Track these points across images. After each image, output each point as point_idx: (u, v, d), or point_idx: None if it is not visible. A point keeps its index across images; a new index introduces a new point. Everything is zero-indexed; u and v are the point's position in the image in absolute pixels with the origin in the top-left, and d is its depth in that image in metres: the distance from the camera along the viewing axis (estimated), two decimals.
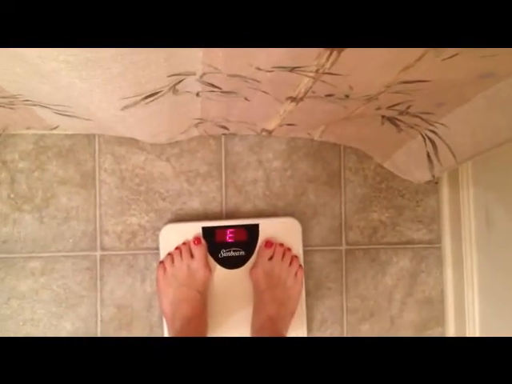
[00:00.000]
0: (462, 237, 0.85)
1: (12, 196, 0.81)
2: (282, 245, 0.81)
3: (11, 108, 0.66)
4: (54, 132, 0.81)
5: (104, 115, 0.59)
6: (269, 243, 0.80)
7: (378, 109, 0.68)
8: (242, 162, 0.86)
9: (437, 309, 0.89)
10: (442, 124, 0.68)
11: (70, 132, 0.82)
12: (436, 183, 0.90)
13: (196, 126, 0.79)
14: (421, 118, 0.69)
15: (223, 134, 0.85)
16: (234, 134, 0.85)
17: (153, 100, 0.54)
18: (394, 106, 0.66)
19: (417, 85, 0.55)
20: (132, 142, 0.83)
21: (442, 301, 0.89)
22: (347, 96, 0.57)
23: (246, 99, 0.62)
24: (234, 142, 0.86)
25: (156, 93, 0.52)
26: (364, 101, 0.59)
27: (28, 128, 0.80)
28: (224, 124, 0.79)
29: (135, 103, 0.53)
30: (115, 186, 0.83)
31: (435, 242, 0.90)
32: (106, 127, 0.75)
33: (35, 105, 0.64)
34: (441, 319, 0.89)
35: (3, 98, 0.61)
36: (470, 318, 0.85)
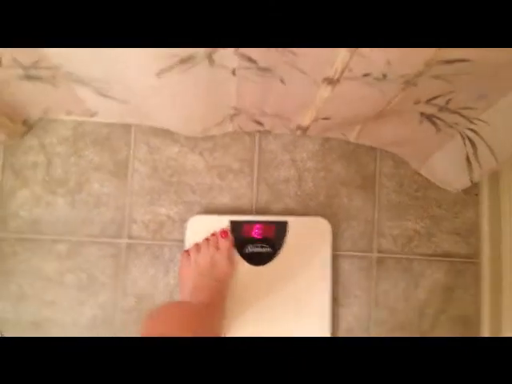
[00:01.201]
0: (503, 253, 0.81)
1: (47, 179, 0.82)
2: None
3: (53, 85, 0.68)
4: (93, 119, 0.83)
5: (140, 85, 0.60)
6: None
7: (417, 103, 0.66)
8: (275, 161, 0.85)
9: (471, 329, 0.84)
10: (483, 121, 0.65)
11: (107, 120, 0.83)
12: (476, 195, 0.86)
13: (231, 119, 0.79)
14: (460, 115, 0.67)
15: (258, 131, 0.85)
16: (269, 132, 0.85)
17: (189, 67, 0.54)
18: (433, 99, 0.64)
19: (457, 66, 0.53)
20: (167, 134, 0.84)
21: (477, 320, 0.84)
22: (384, 76, 0.55)
23: (282, 81, 0.61)
24: (268, 140, 0.85)
25: (192, 57, 0.52)
26: (402, 84, 0.58)
27: (68, 113, 0.82)
28: (259, 119, 0.79)
29: (171, 67, 0.53)
30: (147, 175, 0.84)
31: (473, 257, 0.85)
32: (141, 112, 0.76)
33: (76, 81, 0.66)
34: None
35: (46, 68, 0.62)
36: None
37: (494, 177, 0.82)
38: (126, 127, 0.84)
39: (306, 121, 0.77)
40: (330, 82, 0.59)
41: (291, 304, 0.79)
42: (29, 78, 0.65)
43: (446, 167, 0.78)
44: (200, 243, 0.78)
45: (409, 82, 0.57)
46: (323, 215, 0.82)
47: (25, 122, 0.80)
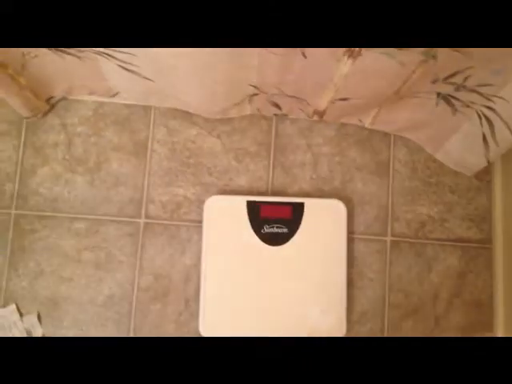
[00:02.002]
0: None
1: (67, 157, 0.84)
2: None
3: (79, 58, 0.70)
4: (114, 100, 0.85)
5: (165, 58, 0.62)
6: None
7: (435, 82, 0.68)
8: (291, 145, 0.87)
9: (485, 313, 0.84)
10: (501, 97, 0.67)
11: (128, 101, 0.85)
12: (488, 181, 0.87)
13: (250, 100, 0.81)
14: (478, 93, 0.68)
15: (275, 115, 0.86)
16: (286, 116, 0.86)
17: None
18: (451, 76, 0.66)
19: None
20: (186, 117, 0.86)
21: (491, 305, 0.85)
22: None
23: (304, 55, 0.63)
24: (285, 125, 0.87)
25: None
26: (422, 56, 0.59)
27: (91, 93, 0.83)
28: (277, 101, 0.81)
29: None
30: (165, 156, 0.85)
31: (486, 242, 0.86)
32: (162, 91, 0.78)
33: (102, 53, 0.68)
34: (489, 324, 0.84)
35: None
36: None
37: (508, 163, 0.84)
38: (146, 109, 0.86)
39: (323, 103, 0.78)
40: (351, 54, 0.61)
41: (307, 285, 0.79)
42: (57, 50, 0.67)
43: (462, 149, 0.80)
44: None
45: (428, 53, 0.59)
46: (338, 199, 0.83)
47: (48, 100, 0.82)
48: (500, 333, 0.83)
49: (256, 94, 0.78)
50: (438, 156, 0.85)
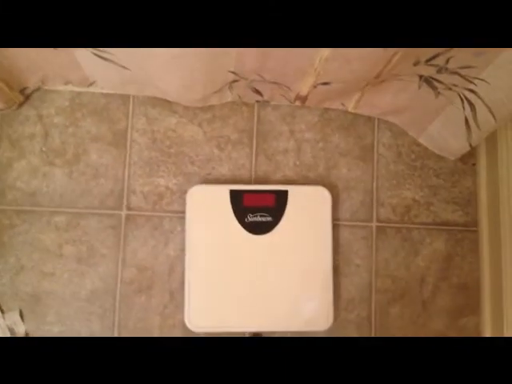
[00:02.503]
0: (501, 221, 0.81)
1: (44, 150, 0.82)
2: None
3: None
4: (90, 90, 0.83)
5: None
6: None
7: (416, 64, 0.67)
8: (273, 131, 0.85)
9: (472, 296, 0.84)
10: (482, 80, 0.66)
11: (105, 91, 0.83)
12: (473, 165, 0.87)
13: (230, 87, 0.79)
14: (460, 75, 0.67)
15: (256, 102, 0.85)
16: (267, 103, 0.85)
17: None
18: (432, 58, 0.65)
19: None
20: (165, 105, 0.84)
21: (477, 288, 0.85)
22: None
23: None
24: (267, 111, 0.86)
25: None
26: None
27: (66, 82, 0.81)
28: (258, 87, 0.79)
29: None
30: (146, 146, 0.83)
31: (471, 225, 0.86)
32: (140, 79, 0.76)
33: None
34: (476, 307, 0.84)
35: None
36: (507, 306, 0.79)
37: (492, 145, 0.83)
38: (124, 98, 0.83)
39: (304, 88, 0.77)
40: None
41: (293, 273, 0.78)
42: None
43: (444, 133, 0.79)
44: None
45: None
46: (322, 185, 0.82)
47: (22, 91, 0.80)
48: (487, 315, 0.83)
49: (236, 81, 0.76)
50: (422, 140, 0.85)
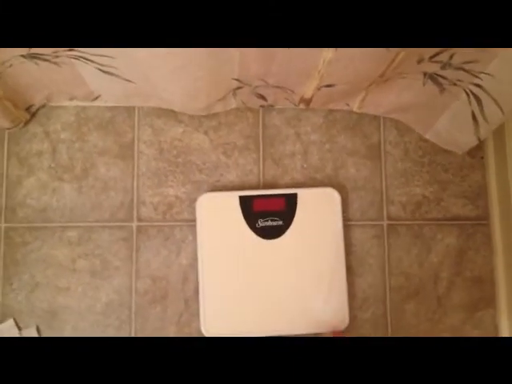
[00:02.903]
0: None
1: (53, 166, 0.82)
2: None
3: (56, 64, 0.68)
4: (95, 104, 0.83)
5: (143, 59, 0.60)
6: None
7: (420, 61, 0.67)
8: (279, 135, 0.85)
9: (487, 289, 0.84)
10: (488, 73, 0.66)
11: (110, 104, 0.83)
12: (482, 158, 0.86)
13: (234, 93, 0.79)
14: (464, 70, 0.67)
15: (261, 107, 0.85)
16: (272, 107, 0.85)
17: None
18: (436, 54, 0.64)
19: None
20: (170, 115, 0.84)
21: (492, 281, 0.84)
22: None
23: None
24: (272, 116, 0.86)
25: None
26: None
27: (71, 98, 0.81)
28: (262, 92, 0.79)
29: None
30: (153, 157, 0.83)
31: (482, 219, 0.85)
32: (144, 91, 0.76)
33: (78, 57, 0.66)
34: (492, 300, 0.84)
35: None
36: None
37: (500, 138, 0.82)
38: (129, 110, 0.84)
39: (309, 91, 0.77)
40: None
41: (307, 276, 0.78)
42: (31, 57, 0.65)
43: (451, 128, 0.79)
44: None
45: None
46: (331, 187, 0.82)
47: (28, 109, 0.80)
48: (504, 308, 0.82)
49: (240, 88, 0.77)
50: (429, 136, 0.84)
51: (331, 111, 0.86)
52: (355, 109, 0.84)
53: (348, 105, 0.84)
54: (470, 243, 0.85)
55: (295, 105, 0.84)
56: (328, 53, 0.62)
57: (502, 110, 0.67)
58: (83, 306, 0.80)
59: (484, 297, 0.84)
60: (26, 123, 0.82)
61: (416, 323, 0.83)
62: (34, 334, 0.78)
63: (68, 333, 0.79)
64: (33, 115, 0.82)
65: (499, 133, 0.81)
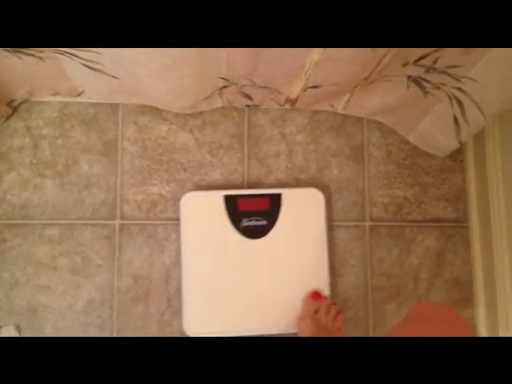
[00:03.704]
0: (491, 215, 0.83)
1: (34, 162, 0.81)
2: (326, 298, 0.79)
3: (40, 58, 0.67)
4: (79, 100, 0.82)
5: (130, 56, 0.59)
6: (316, 295, 0.78)
7: (405, 64, 0.68)
8: (264, 135, 0.86)
9: (466, 290, 0.86)
10: (470, 78, 0.67)
11: (93, 100, 0.82)
12: (462, 161, 0.88)
13: (220, 92, 0.79)
14: (448, 74, 0.68)
15: (246, 106, 0.85)
16: (258, 107, 0.85)
17: None
18: (421, 58, 0.65)
19: None
20: (155, 112, 0.83)
21: (470, 282, 0.86)
22: None
23: None
24: (257, 116, 0.86)
25: None
26: None
27: (54, 94, 0.80)
28: (248, 92, 0.79)
29: None
30: (137, 155, 0.83)
31: (462, 221, 0.87)
32: (129, 88, 0.75)
33: (64, 52, 0.65)
34: (470, 301, 0.85)
35: None
36: (501, 299, 0.81)
37: (479, 142, 0.84)
38: (114, 107, 0.83)
39: (294, 92, 0.77)
40: None
41: (290, 275, 0.79)
42: (15, 51, 0.64)
43: (434, 131, 0.80)
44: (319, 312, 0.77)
45: None
46: (315, 187, 0.83)
47: (10, 104, 0.79)
48: (482, 309, 0.84)
49: (226, 86, 0.77)
50: (411, 138, 0.86)
51: (316, 112, 0.86)
52: (340, 110, 0.85)
53: (333, 106, 0.85)
54: (450, 245, 0.86)
55: (280, 105, 0.84)
56: (315, 54, 0.63)
57: (483, 114, 0.68)
58: (64, 304, 0.79)
59: (463, 298, 0.86)
60: (8, 118, 0.80)
61: (397, 323, 0.84)
62: (14, 333, 0.77)
63: (48, 331, 0.78)
64: (15, 110, 0.81)
65: (479, 137, 0.83)
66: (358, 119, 0.87)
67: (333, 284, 0.82)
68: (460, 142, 0.78)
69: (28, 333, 0.78)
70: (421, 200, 0.87)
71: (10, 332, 0.77)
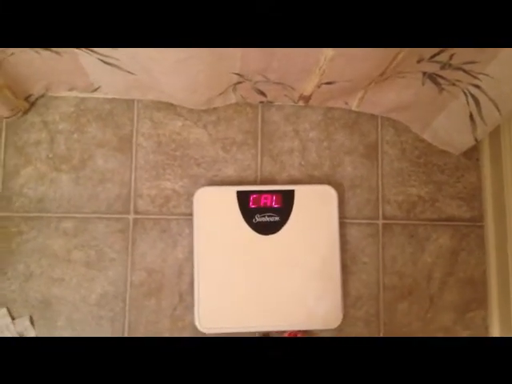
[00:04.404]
0: (507, 215, 0.82)
1: (50, 156, 0.82)
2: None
3: (57, 53, 0.68)
4: (95, 95, 0.83)
5: (145, 52, 0.60)
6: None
7: (420, 61, 0.67)
8: (278, 132, 0.86)
9: (479, 290, 0.85)
10: (487, 74, 0.66)
11: (109, 96, 0.83)
12: (477, 160, 0.87)
13: (234, 88, 0.79)
14: (464, 71, 0.68)
15: (260, 102, 0.85)
16: (271, 103, 0.85)
17: None
18: (436, 54, 0.65)
19: None
20: (170, 108, 0.84)
21: (484, 282, 0.85)
22: None
23: None
24: (271, 112, 0.86)
25: None
26: None
27: (71, 89, 0.81)
28: (262, 88, 0.79)
29: None
30: (151, 150, 0.83)
31: (477, 220, 0.86)
32: (144, 84, 0.76)
33: (80, 48, 0.66)
34: (483, 301, 0.85)
35: None
36: None
37: (495, 140, 0.83)
38: (129, 102, 0.84)
39: (309, 88, 0.77)
40: None
41: (302, 272, 0.79)
42: None
43: (449, 128, 0.79)
44: None
45: None
46: (328, 184, 0.82)
47: (27, 98, 0.80)
48: (495, 310, 0.83)
49: (240, 82, 0.77)
50: (426, 136, 0.85)
51: (330, 109, 0.86)
52: (354, 107, 0.85)
53: (347, 103, 0.84)
54: (464, 244, 0.86)
55: (294, 102, 0.84)
56: (330, 50, 0.63)
57: (499, 111, 0.68)
58: (77, 297, 0.80)
59: (476, 298, 0.85)
60: (25, 113, 0.82)
61: (408, 322, 0.83)
62: (27, 324, 0.78)
63: (61, 323, 0.79)
64: (32, 105, 0.82)
65: (494, 134, 0.82)
66: (372, 117, 0.87)
67: (344, 281, 0.82)
68: (476, 140, 0.77)
69: (41, 324, 0.79)
70: (435, 198, 0.86)
71: (23, 323, 0.78)
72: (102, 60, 0.69)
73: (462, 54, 0.64)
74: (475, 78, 0.67)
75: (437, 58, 0.66)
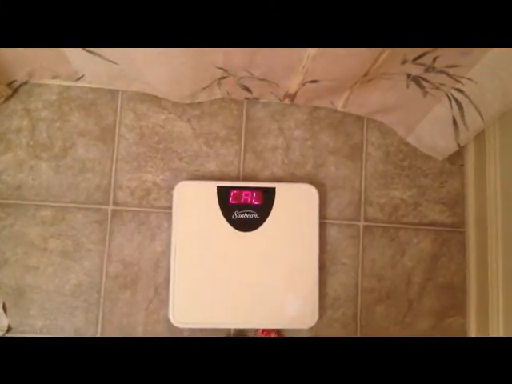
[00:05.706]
0: (488, 222, 0.81)
1: (31, 143, 0.81)
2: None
3: None
4: (79, 84, 0.82)
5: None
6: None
7: (404, 62, 0.67)
8: (262, 129, 0.85)
9: (458, 296, 0.84)
10: (469, 79, 0.66)
11: (94, 85, 0.82)
12: (462, 165, 0.87)
13: (218, 83, 0.79)
14: (447, 74, 0.67)
15: (246, 99, 0.84)
16: (257, 100, 0.85)
17: None
18: (420, 57, 0.65)
19: None
20: (154, 101, 0.83)
21: (463, 288, 0.84)
22: None
23: None
24: (256, 109, 0.85)
25: None
26: None
27: (54, 76, 0.81)
28: (247, 84, 0.79)
29: None
30: (134, 142, 0.83)
31: (458, 226, 0.86)
32: (128, 74, 0.76)
33: None
34: (462, 308, 0.84)
35: None
36: (493, 308, 0.79)
37: (480, 146, 0.83)
38: (113, 93, 0.83)
39: (293, 86, 0.77)
40: None
41: (279, 270, 0.78)
42: None
43: (433, 133, 0.79)
44: None
45: None
46: (310, 184, 0.82)
47: (10, 85, 0.79)
48: (473, 317, 0.83)
49: (224, 77, 0.76)
50: (410, 139, 0.85)
51: (315, 108, 0.86)
52: (339, 107, 0.84)
53: (332, 103, 0.84)
54: (445, 250, 0.85)
55: (280, 99, 0.84)
56: (312, 48, 0.62)
57: (481, 116, 0.67)
58: (52, 286, 0.79)
59: (455, 304, 0.84)
60: (7, 99, 0.81)
61: (386, 325, 0.83)
62: (0, 312, 0.77)
63: (34, 312, 0.78)
64: (15, 91, 0.81)
65: (480, 141, 0.82)
66: (358, 118, 0.86)
67: (322, 282, 0.81)
68: (459, 145, 0.76)
69: (14, 312, 0.78)
70: (418, 202, 0.86)
71: None
72: (84, 48, 0.68)
73: (445, 57, 0.64)
74: (458, 81, 0.67)
75: (420, 60, 0.65)
